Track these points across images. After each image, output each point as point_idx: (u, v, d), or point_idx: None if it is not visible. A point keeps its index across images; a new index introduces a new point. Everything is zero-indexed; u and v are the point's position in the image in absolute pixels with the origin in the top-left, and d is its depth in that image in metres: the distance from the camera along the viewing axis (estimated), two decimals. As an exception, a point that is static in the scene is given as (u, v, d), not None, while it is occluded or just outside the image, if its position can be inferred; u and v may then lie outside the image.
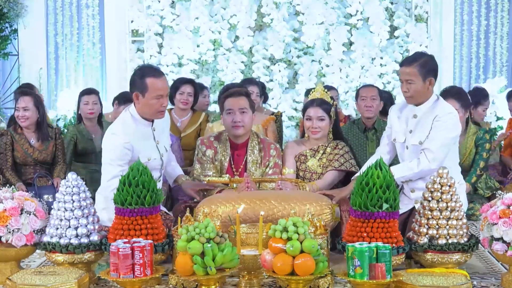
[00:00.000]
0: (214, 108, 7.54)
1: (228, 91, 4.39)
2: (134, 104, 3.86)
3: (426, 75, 3.81)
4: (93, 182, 5.32)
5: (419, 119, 3.87)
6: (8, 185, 3.69)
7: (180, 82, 5.78)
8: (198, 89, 5.90)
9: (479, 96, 5.91)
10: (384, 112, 6.15)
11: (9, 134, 5.25)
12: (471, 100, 5.22)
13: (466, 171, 5.15)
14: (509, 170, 5.81)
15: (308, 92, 6.45)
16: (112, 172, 3.70)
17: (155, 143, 3.91)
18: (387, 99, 6.14)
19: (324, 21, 8.01)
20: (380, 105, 5.81)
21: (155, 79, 3.79)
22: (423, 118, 3.86)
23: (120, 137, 3.75)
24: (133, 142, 3.76)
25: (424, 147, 3.80)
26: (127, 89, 8.37)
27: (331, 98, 4.47)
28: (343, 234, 3.37)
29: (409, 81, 3.81)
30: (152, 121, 3.89)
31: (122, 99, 5.90)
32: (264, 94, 6.46)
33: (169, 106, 5.62)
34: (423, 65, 3.81)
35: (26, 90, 5.63)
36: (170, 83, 6.80)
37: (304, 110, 4.41)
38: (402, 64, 3.89)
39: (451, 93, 5.16)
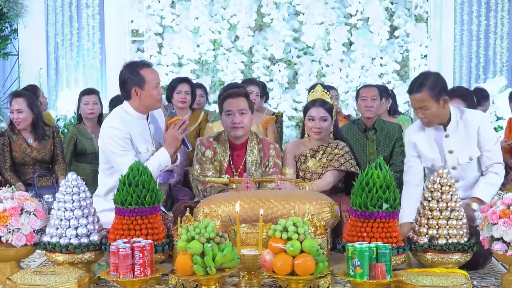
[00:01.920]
0: (214, 108, 7.54)
1: (226, 92, 4.39)
2: (130, 101, 3.89)
3: (439, 95, 3.68)
4: (94, 182, 5.33)
5: (453, 137, 3.79)
6: (7, 185, 3.69)
7: (177, 82, 5.81)
8: (195, 87, 5.92)
9: (479, 97, 5.91)
10: (391, 111, 6.17)
11: (6, 135, 5.27)
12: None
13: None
14: (510, 170, 5.81)
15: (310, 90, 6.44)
16: (128, 161, 3.70)
17: (151, 137, 3.94)
18: (392, 97, 6.18)
19: (324, 21, 8.01)
20: (385, 104, 5.82)
21: (148, 69, 3.89)
22: (459, 134, 3.79)
23: (119, 129, 3.80)
24: (131, 133, 3.80)
25: (490, 163, 3.78)
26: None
27: (330, 98, 4.48)
28: (343, 234, 3.37)
29: (424, 108, 3.68)
30: (147, 116, 3.92)
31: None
32: (265, 93, 6.47)
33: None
34: (433, 88, 3.66)
35: (20, 91, 5.65)
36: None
37: (305, 111, 4.40)
38: (411, 92, 3.72)
39: (456, 93, 5.17)
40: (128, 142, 3.81)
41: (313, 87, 5.10)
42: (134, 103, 3.89)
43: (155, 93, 3.86)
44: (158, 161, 3.86)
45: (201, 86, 6.74)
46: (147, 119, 3.96)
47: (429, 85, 3.67)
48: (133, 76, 3.84)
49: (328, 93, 4.50)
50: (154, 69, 3.96)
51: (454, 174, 3.77)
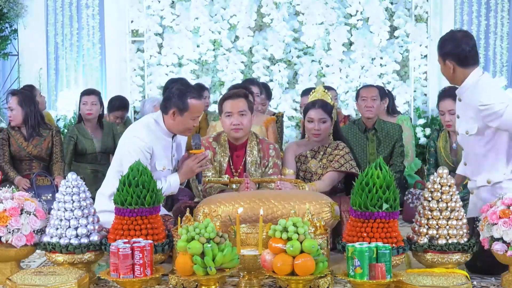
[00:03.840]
0: (214, 108, 7.54)
1: (226, 93, 4.40)
2: (164, 117, 3.90)
3: (444, 57, 3.66)
4: (94, 182, 5.34)
5: (463, 104, 3.69)
6: (7, 181, 3.71)
7: (171, 83, 5.81)
8: None
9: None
10: (389, 111, 6.17)
11: (6, 130, 5.41)
12: None
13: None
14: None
15: (305, 91, 6.46)
16: None
17: (171, 155, 3.95)
18: (390, 97, 6.18)
19: (324, 21, 7.99)
20: (382, 104, 5.82)
21: (196, 101, 3.88)
22: (466, 102, 3.65)
23: (142, 141, 3.79)
24: (154, 148, 3.80)
25: None
26: (127, 89, 8.40)
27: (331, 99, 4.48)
28: (343, 234, 3.37)
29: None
30: (174, 135, 3.93)
31: (113, 108, 6.08)
32: (269, 95, 6.50)
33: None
34: (439, 48, 3.69)
35: (14, 90, 5.80)
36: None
37: (305, 112, 4.40)
38: None
39: (448, 93, 5.16)
40: (147, 156, 3.80)
41: (309, 90, 5.10)
42: (167, 121, 3.90)
43: (190, 123, 3.88)
44: (169, 184, 3.88)
45: (206, 88, 6.77)
46: (173, 137, 3.97)
47: (440, 43, 3.70)
48: (178, 100, 3.84)
49: (329, 94, 4.50)
50: (202, 102, 3.97)
51: (458, 140, 3.83)
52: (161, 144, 3.89)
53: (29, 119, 5.36)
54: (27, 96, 5.49)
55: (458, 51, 3.62)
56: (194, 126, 3.93)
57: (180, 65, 8.17)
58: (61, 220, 3.38)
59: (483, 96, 3.55)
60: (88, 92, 6.03)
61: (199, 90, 6.41)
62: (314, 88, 4.70)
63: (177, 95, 3.85)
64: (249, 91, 4.76)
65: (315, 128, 4.29)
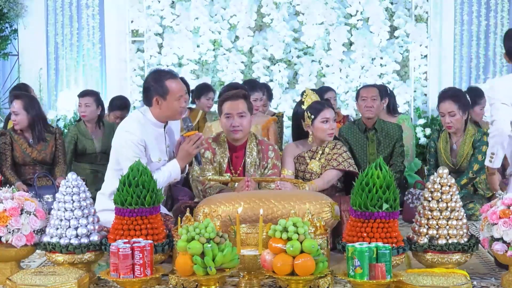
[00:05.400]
0: (214, 108, 7.54)
1: (226, 94, 4.38)
2: (151, 109, 3.88)
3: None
4: (94, 182, 5.34)
5: None
6: (8, 185, 3.70)
7: None
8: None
9: (474, 96, 5.90)
10: (390, 110, 6.17)
11: (8, 134, 5.28)
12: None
13: (463, 173, 5.17)
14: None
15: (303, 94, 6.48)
16: None
17: (165, 146, 3.94)
18: (391, 96, 6.18)
19: (324, 21, 8.00)
20: (382, 104, 5.81)
21: (173, 81, 3.86)
22: None
23: (134, 135, 3.78)
24: (146, 140, 3.79)
25: None
26: (127, 89, 8.40)
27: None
28: (343, 234, 3.37)
29: None
30: (165, 125, 3.92)
31: (114, 107, 6.10)
32: (270, 95, 6.51)
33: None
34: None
35: (18, 93, 5.63)
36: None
37: (316, 113, 4.37)
38: None
39: (448, 95, 5.16)
40: (142, 149, 3.79)
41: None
42: (154, 111, 3.88)
43: (176, 104, 3.85)
44: (169, 173, 3.87)
45: (213, 89, 6.77)
46: (164, 127, 3.96)
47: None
48: (157, 85, 3.83)
49: (316, 96, 4.56)
50: (179, 81, 3.94)
51: None
52: (153, 136, 3.88)
53: (36, 125, 5.26)
54: (32, 99, 5.36)
55: (507, 45, 3.94)
56: (181, 107, 3.89)
57: (180, 65, 8.18)
58: (61, 220, 3.38)
59: (490, 86, 3.91)
60: (82, 94, 6.01)
61: (205, 88, 6.43)
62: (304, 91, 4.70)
63: (154, 82, 3.84)
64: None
65: (331, 127, 4.33)
